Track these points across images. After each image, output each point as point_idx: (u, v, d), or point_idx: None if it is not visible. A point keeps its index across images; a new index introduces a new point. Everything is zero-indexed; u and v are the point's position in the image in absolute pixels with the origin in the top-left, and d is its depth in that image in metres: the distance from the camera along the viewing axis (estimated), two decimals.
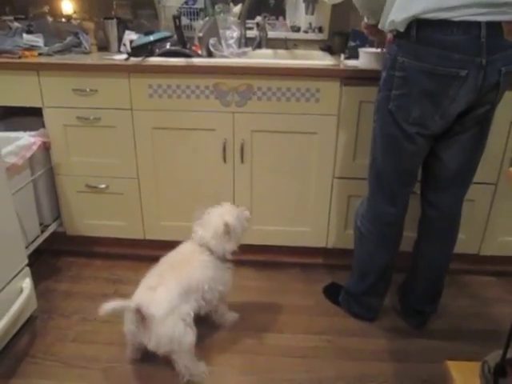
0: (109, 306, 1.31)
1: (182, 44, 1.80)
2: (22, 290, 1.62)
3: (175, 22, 1.78)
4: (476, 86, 1.27)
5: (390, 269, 1.67)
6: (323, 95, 1.77)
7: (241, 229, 1.58)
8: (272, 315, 1.80)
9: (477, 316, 1.83)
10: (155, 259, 2.15)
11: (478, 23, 1.20)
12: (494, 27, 1.22)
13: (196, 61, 1.77)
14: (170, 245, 2.09)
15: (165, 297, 1.39)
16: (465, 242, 1.91)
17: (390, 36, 1.41)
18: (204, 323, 1.59)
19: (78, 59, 1.90)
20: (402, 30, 1.28)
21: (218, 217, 1.53)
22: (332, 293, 1.90)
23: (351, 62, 1.82)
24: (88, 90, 1.82)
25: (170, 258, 1.57)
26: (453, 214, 1.60)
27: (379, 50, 1.74)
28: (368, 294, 1.72)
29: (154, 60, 1.78)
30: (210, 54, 1.83)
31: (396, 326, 1.75)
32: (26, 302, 1.61)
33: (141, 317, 1.34)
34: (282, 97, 1.78)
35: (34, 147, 1.81)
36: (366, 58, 1.77)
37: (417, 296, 1.73)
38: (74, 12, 2.22)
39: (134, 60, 1.76)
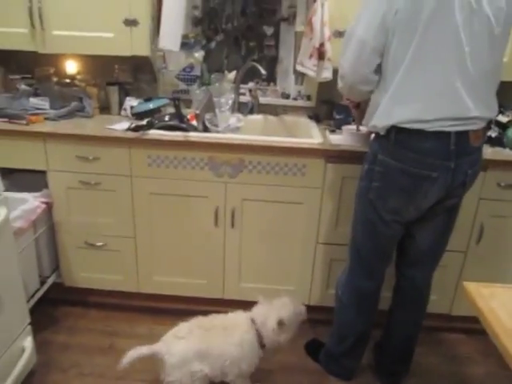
0: (130, 355, 1.53)
1: (180, 120, 1.94)
2: (23, 350, 1.72)
3: (175, 103, 1.93)
4: (445, 185, 1.44)
5: (367, 334, 1.82)
6: (309, 170, 1.92)
7: (296, 323, 1.71)
8: (255, 372, 1.91)
9: (447, 375, 1.98)
10: (148, 311, 2.28)
11: (449, 133, 1.38)
12: (462, 136, 1.39)
13: (192, 136, 1.92)
14: (162, 298, 2.23)
15: (181, 350, 1.55)
16: (437, 303, 2.07)
17: (372, 135, 1.58)
18: None
19: (81, 126, 2.05)
20: (382, 133, 1.45)
21: (278, 309, 1.66)
22: (313, 350, 2.03)
23: (335, 139, 1.98)
24: (91, 157, 1.95)
25: (213, 318, 1.68)
26: (423, 285, 1.76)
27: (358, 127, 1.92)
28: (346, 356, 1.86)
29: (154, 133, 1.93)
30: (205, 128, 1.98)
31: None
32: (28, 361, 1.72)
33: (159, 359, 1.55)
34: (271, 170, 1.93)
35: (39, 210, 1.94)
36: (349, 137, 1.94)
37: (390, 357, 1.88)
38: (78, 73, 2.35)
39: (134, 134, 1.89)
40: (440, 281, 1.96)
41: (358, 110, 1.81)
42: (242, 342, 1.62)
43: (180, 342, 1.57)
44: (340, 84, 1.58)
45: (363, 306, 1.75)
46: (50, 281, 2.15)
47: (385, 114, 1.42)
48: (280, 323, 1.62)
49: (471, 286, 1.10)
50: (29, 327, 1.78)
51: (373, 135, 1.56)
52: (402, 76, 1.36)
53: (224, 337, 1.62)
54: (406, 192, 1.48)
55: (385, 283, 1.77)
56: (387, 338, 1.88)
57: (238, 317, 1.70)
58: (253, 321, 1.66)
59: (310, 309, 2.20)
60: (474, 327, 2.31)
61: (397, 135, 1.42)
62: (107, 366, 1.90)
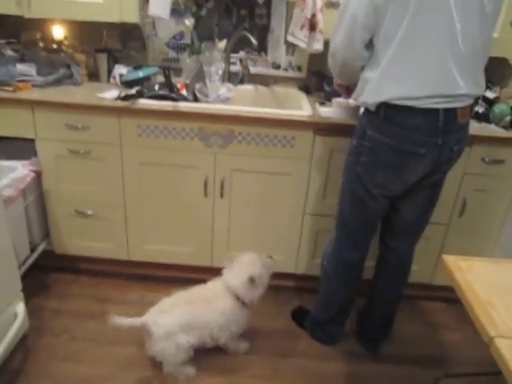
0: (120, 320, 1.60)
1: (170, 89, 1.93)
2: (16, 315, 1.75)
3: (165, 73, 1.91)
4: (432, 161, 1.48)
5: (351, 302, 1.89)
6: (298, 142, 1.94)
7: (266, 277, 1.79)
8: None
9: (426, 342, 2.07)
10: (138, 278, 2.33)
11: (437, 110, 1.40)
12: (450, 113, 1.42)
13: (182, 106, 1.91)
14: (153, 265, 2.27)
15: (166, 323, 1.63)
16: (418, 273, 2.14)
17: (362, 109, 1.59)
18: None
19: (70, 94, 2.02)
20: (372, 109, 1.46)
21: (246, 267, 1.74)
22: (299, 317, 2.11)
23: (325, 111, 1.99)
24: (80, 126, 1.94)
25: (194, 291, 1.76)
26: (406, 257, 1.83)
27: (348, 100, 1.93)
28: (330, 323, 1.94)
29: (143, 103, 1.91)
30: (195, 98, 1.97)
31: (353, 349, 1.98)
32: (20, 326, 1.76)
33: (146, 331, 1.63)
34: (260, 142, 1.94)
35: (28, 178, 1.94)
36: (338, 109, 1.95)
37: (371, 324, 1.96)
38: (65, 38, 2.30)
39: (124, 103, 1.88)
40: (422, 252, 2.03)
41: (346, 92, 1.81)
42: (225, 309, 1.72)
43: (165, 316, 1.65)
44: (331, 61, 1.58)
45: (348, 276, 1.81)
46: (40, 248, 2.17)
47: (375, 91, 1.43)
48: (251, 280, 1.70)
49: (449, 259, 1.15)
50: (21, 293, 1.81)
51: (362, 109, 1.58)
52: (393, 53, 1.37)
53: (207, 307, 1.71)
54: (394, 167, 1.51)
55: (369, 253, 1.83)
56: (369, 306, 1.95)
57: (215, 286, 1.78)
58: (227, 286, 1.74)
59: (297, 277, 2.30)
60: (453, 296, 2.35)
61: (386, 111, 1.44)
62: (98, 331, 1.96)
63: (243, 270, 1.74)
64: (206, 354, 1.84)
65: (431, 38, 1.34)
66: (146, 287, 2.24)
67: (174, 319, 1.64)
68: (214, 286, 1.78)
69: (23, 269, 2.00)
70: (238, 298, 1.73)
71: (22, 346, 1.83)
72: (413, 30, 1.33)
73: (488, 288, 1.05)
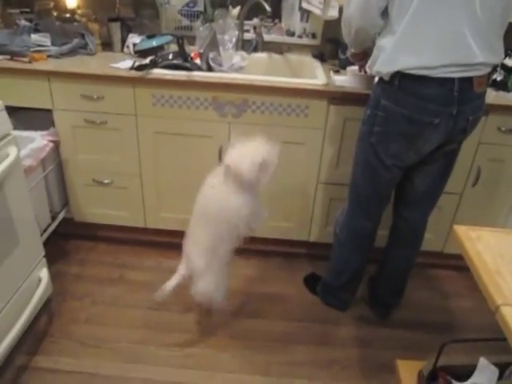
0: (167, 288, 1.65)
1: (184, 58, 1.92)
2: (40, 280, 1.84)
3: (178, 42, 1.90)
4: (447, 131, 1.47)
5: (362, 270, 1.93)
6: (312, 111, 1.94)
7: (273, 163, 1.63)
8: (258, 303, 2.06)
9: (435, 308, 2.12)
10: (155, 245, 2.41)
11: (453, 79, 1.38)
12: (466, 82, 1.40)
13: (196, 75, 1.91)
14: (169, 233, 2.33)
15: (200, 259, 1.66)
16: (431, 241, 2.17)
17: (376, 78, 1.58)
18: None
19: (85, 64, 2.03)
20: (386, 79, 1.45)
21: (254, 150, 1.57)
22: (311, 283, 2.16)
23: (339, 80, 1.97)
24: (95, 96, 1.96)
25: (203, 207, 1.73)
26: (419, 227, 1.84)
27: (363, 72, 1.91)
28: (342, 290, 1.99)
29: (158, 73, 1.92)
30: (209, 67, 1.97)
31: (364, 315, 2.03)
32: (45, 290, 1.85)
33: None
34: (274, 111, 1.95)
35: (47, 149, 1.98)
36: (353, 78, 1.93)
37: (383, 291, 2.01)
38: (78, 7, 2.29)
39: (138, 73, 1.89)
40: (435, 221, 2.04)
41: (360, 62, 1.79)
42: (239, 202, 1.62)
43: (194, 252, 1.69)
44: (344, 29, 1.56)
45: (360, 244, 1.85)
46: (60, 216, 2.24)
47: (390, 60, 1.42)
48: (263, 165, 1.57)
49: (460, 229, 1.17)
50: (43, 259, 1.88)
51: (376, 78, 1.56)
52: (408, 21, 1.34)
53: (227, 213, 1.62)
54: (408, 137, 1.51)
55: (382, 222, 1.85)
56: (381, 273, 1.99)
57: (215, 178, 1.68)
58: (228, 165, 1.59)
59: (310, 245, 2.34)
60: (464, 265, 2.41)
61: (401, 81, 1.42)
62: (118, 295, 2.04)
63: (250, 153, 1.58)
64: (221, 319, 1.93)
65: (447, 5, 1.31)
66: (162, 254, 2.31)
67: (203, 249, 1.66)
68: (222, 185, 1.65)
69: (45, 236, 2.07)
70: (241, 185, 1.60)
71: (47, 309, 1.93)
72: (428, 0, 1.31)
73: (497, 257, 1.07)
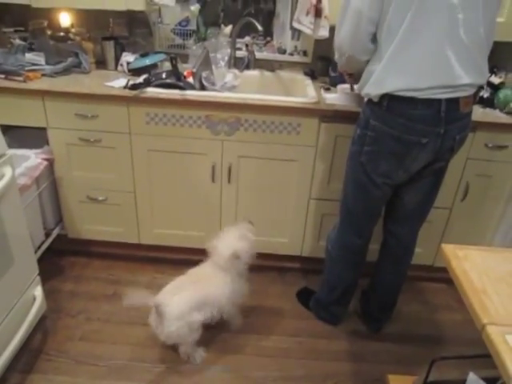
0: (133, 299, 1.66)
1: (177, 77, 1.96)
2: (35, 298, 1.85)
3: (172, 62, 1.93)
4: (435, 149, 1.51)
5: (355, 285, 1.96)
6: (303, 129, 1.98)
7: (249, 244, 1.81)
8: (252, 318, 2.08)
9: (425, 321, 2.15)
10: (149, 260, 2.42)
11: (440, 100, 1.43)
12: (453, 102, 1.45)
13: (189, 94, 1.94)
14: (163, 249, 2.34)
15: (179, 304, 1.69)
16: (421, 255, 2.20)
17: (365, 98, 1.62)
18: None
19: (79, 83, 2.06)
20: (376, 100, 1.49)
21: (227, 248, 1.77)
22: (304, 297, 2.19)
23: (330, 98, 2.02)
24: (89, 115, 1.99)
25: (194, 273, 1.83)
26: (409, 242, 1.88)
27: (354, 87, 1.95)
28: (335, 304, 2.01)
29: (151, 91, 1.95)
30: (202, 86, 2.00)
31: (356, 329, 2.06)
32: (39, 308, 1.85)
33: (158, 313, 1.67)
34: (266, 129, 1.98)
35: (41, 167, 2.00)
36: (343, 96, 1.98)
37: (374, 306, 2.04)
38: (72, 26, 2.32)
39: (132, 92, 1.92)
40: (425, 235, 2.08)
41: (351, 78, 1.83)
42: (226, 282, 1.78)
43: (178, 296, 1.70)
44: (337, 55, 1.60)
45: (351, 260, 1.88)
46: (54, 233, 2.25)
47: (378, 83, 1.46)
48: (234, 257, 1.75)
49: (448, 248, 1.20)
50: (38, 277, 1.89)
51: (366, 99, 1.60)
52: (396, 45, 1.38)
53: (211, 283, 1.77)
54: (397, 156, 1.55)
55: (373, 237, 1.88)
56: (373, 287, 2.02)
57: (208, 265, 1.84)
58: (217, 265, 1.79)
59: (302, 260, 2.37)
60: None
61: (389, 102, 1.47)
62: (113, 312, 2.05)
63: (225, 247, 1.78)
64: (215, 335, 1.95)
65: (432, 30, 1.35)
66: (156, 269, 2.32)
67: (186, 299, 1.70)
68: (207, 265, 1.84)
69: (39, 253, 2.08)
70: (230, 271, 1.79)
71: (41, 326, 1.93)
72: (415, 23, 1.35)
73: (483, 276, 1.10)
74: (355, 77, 1.86)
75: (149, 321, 1.76)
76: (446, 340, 2.05)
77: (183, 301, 1.70)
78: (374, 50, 1.49)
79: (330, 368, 1.86)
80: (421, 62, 1.39)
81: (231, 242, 1.79)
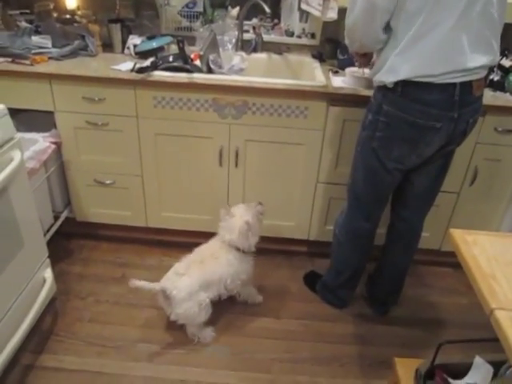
0: (139, 283, 1.68)
1: (184, 61, 1.94)
2: (45, 280, 1.87)
3: (179, 45, 1.91)
4: (447, 134, 1.51)
5: (362, 269, 1.97)
6: (311, 113, 1.96)
7: (258, 223, 1.88)
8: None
9: (432, 305, 2.16)
10: (156, 244, 2.43)
11: (454, 84, 1.41)
12: (466, 86, 1.43)
13: (196, 77, 1.93)
14: (170, 232, 2.36)
15: (186, 284, 1.72)
16: (428, 239, 2.21)
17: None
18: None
19: (86, 66, 2.04)
20: (390, 87, 1.47)
21: (239, 218, 1.82)
22: (310, 281, 2.20)
23: (337, 81, 1.99)
24: (96, 98, 1.98)
25: (200, 252, 1.87)
26: (416, 226, 1.88)
27: (361, 70, 1.93)
28: (341, 288, 2.03)
29: (158, 75, 1.93)
30: (209, 69, 1.98)
31: (363, 312, 2.07)
32: (49, 290, 1.88)
33: (166, 296, 1.71)
34: (274, 112, 1.97)
35: (49, 150, 2.00)
36: (351, 80, 1.95)
37: (381, 289, 2.05)
38: (78, 8, 2.30)
39: (139, 75, 1.91)
40: (433, 219, 2.08)
41: (363, 58, 1.80)
42: (231, 261, 1.82)
43: (183, 278, 1.73)
44: (347, 41, 1.57)
45: (359, 245, 1.88)
46: (63, 216, 2.27)
47: (393, 70, 1.44)
48: (247, 224, 1.79)
49: (456, 233, 1.19)
50: (47, 260, 1.91)
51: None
52: (414, 33, 1.36)
53: (216, 262, 1.81)
54: (410, 142, 1.54)
55: (380, 221, 1.88)
56: (380, 271, 2.03)
57: (216, 243, 1.88)
58: (224, 241, 1.84)
59: (309, 243, 2.38)
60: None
61: (403, 88, 1.45)
62: (121, 294, 2.08)
63: (235, 222, 1.82)
64: (223, 317, 1.97)
65: (449, 16, 1.33)
66: (164, 252, 2.34)
67: (192, 279, 1.73)
68: (215, 243, 1.88)
69: (48, 236, 2.10)
70: (237, 248, 1.83)
71: (51, 308, 1.96)
72: (433, 11, 1.32)
73: (492, 261, 1.10)
74: (369, 56, 1.82)
75: (158, 303, 1.79)
76: (452, 323, 2.06)
77: (189, 282, 1.72)
78: (386, 39, 1.46)
79: (337, 350, 1.88)
80: (437, 49, 1.37)
81: (244, 213, 1.84)
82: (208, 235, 2.19)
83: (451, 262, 2.30)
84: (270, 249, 2.37)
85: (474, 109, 1.51)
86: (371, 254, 1.94)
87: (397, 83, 1.45)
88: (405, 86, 1.44)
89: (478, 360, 1.36)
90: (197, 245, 1.91)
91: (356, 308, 2.09)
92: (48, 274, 1.91)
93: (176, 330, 1.88)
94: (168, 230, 2.34)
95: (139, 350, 1.82)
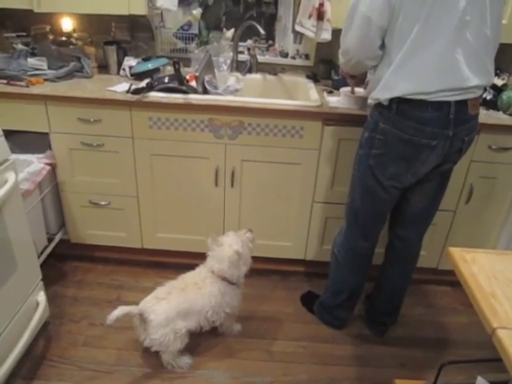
0: (114, 314, 1.60)
1: (180, 81, 1.95)
2: (38, 303, 1.83)
3: (174, 66, 1.93)
4: (443, 152, 1.51)
5: (360, 289, 1.95)
6: (306, 132, 1.97)
7: (249, 252, 1.82)
8: (257, 322, 2.07)
9: (431, 325, 2.13)
10: (152, 265, 2.40)
11: (449, 102, 1.43)
12: (461, 104, 1.45)
13: (192, 98, 1.94)
14: (166, 253, 2.33)
15: (164, 310, 1.66)
16: (426, 258, 2.19)
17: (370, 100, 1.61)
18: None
19: (82, 87, 2.05)
20: (385, 104, 1.49)
21: (228, 247, 1.75)
22: (308, 301, 2.17)
23: (333, 101, 2.01)
24: (92, 119, 1.98)
25: (185, 279, 1.81)
26: (415, 245, 1.87)
27: (356, 90, 1.96)
28: (339, 308, 2.00)
29: (154, 96, 1.94)
30: (205, 90, 2.00)
31: (361, 333, 2.04)
32: (42, 313, 1.84)
33: (143, 319, 1.66)
34: (269, 132, 1.98)
35: (44, 172, 1.99)
36: (346, 99, 1.98)
37: (379, 310, 2.02)
38: (74, 30, 2.32)
39: (134, 96, 1.91)
40: (430, 237, 2.08)
41: (353, 79, 1.83)
42: (214, 292, 1.75)
43: (162, 303, 1.68)
44: (342, 60, 1.59)
45: (358, 264, 1.87)
46: (57, 238, 2.24)
47: (387, 87, 1.45)
48: (237, 254, 1.73)
49: (455, 252, 1.19)
50: (41, 282, 1.88)
51: (371, 101, 1.60)
52: (406, 50, 1.38)
53: (199, 292, 1.75)
54: (406, 159, 1.54)
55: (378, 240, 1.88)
56: (378, 291, 2.01)
57: (202, 271, 1.82)
58: (212, 271, 1.77)
59: (306, 263, 2.36)
60: (459, 280, 2.47)
61: (399, 105, 1.46)
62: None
63: (224, 251, 1.75)
64: (215, 341, 1.93)
65: (442, 34, 1.35)
66: (159, 274, 2.31)
67: (171, 306, 1.68)
68: (201, 271, 1.82)
69: (41, 258, 2.07)
70: (224, 279, 1.77)
71: (44, 332, 1.92)
72: (426, 28, 1.35)
73: (492, 279, 1.09)
74: (357, 79, 1.86)
75: (134, 326, 1.75)
76: (452, 343, 2.03)
77: (167, 308, 1.67)
78: (381, 56, 1.49)
79: (335, 372, 1.85)
80: (431, 66, 1.39)
81: (233, 242, 1.77)
82: (204, 256, 2.18)
83: (449, 280, 2.30)
84: (266, 269, 2.36)
85: (470, 127, 1.52)
86: (369, 273, 1.93)
87: (392, 100, 1.46)
88: (400, 103, 1.45)
89: (480, 381, 1.34)
90: (193, 266, 1.88)
91: (354, 328, 2.06)
92: (41, 297, 1.87)
93: None
94: (163, 251, 2.32)
95: (134, 375, 1.78)
